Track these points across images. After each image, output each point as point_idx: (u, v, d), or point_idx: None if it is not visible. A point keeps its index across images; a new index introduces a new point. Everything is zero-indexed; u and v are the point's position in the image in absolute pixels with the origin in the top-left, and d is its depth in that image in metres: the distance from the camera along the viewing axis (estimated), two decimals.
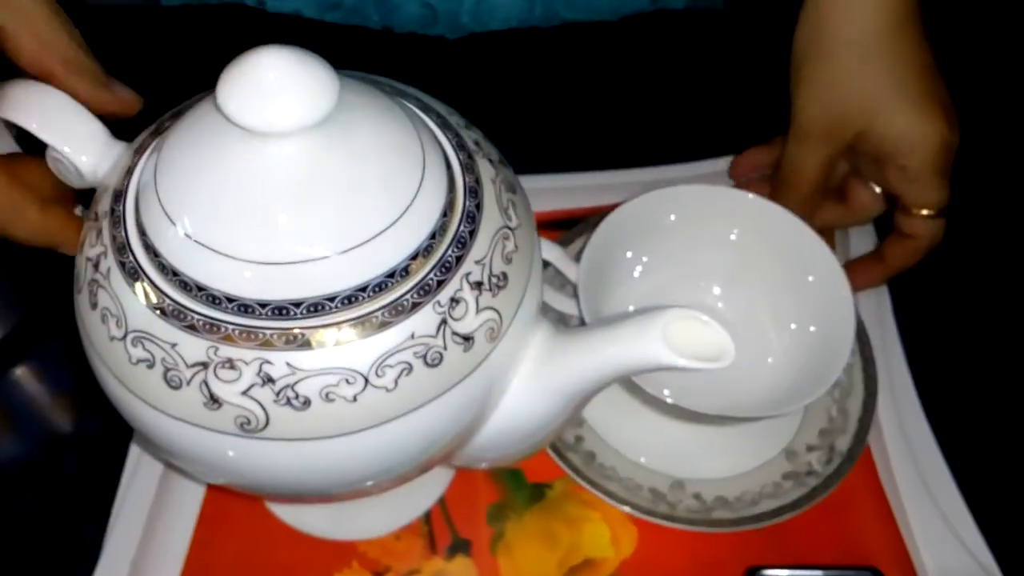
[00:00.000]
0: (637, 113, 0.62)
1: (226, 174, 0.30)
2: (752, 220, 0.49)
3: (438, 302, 0.31)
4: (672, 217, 0.49)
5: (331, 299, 0.30)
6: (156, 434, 0.32)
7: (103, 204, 0.33)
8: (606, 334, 0.33)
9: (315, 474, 0.32)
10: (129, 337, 0.31)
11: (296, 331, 0.29)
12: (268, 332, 0.29)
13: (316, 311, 0.30)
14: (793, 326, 0.49)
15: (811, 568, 0.41)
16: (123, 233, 0.31)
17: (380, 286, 0.30)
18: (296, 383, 0.30)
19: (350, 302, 0.30)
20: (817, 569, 0.40)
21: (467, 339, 0.31)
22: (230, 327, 0.30)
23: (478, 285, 0.32)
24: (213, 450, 0.31)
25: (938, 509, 0.46)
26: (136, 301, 0.30)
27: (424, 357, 0.31)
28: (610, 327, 0.33)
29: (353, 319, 0.30)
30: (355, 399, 0.30)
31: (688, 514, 0.45)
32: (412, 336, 0.30)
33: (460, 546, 0.46)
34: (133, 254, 0.31)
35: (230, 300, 0.30)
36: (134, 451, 0.47)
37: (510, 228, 0.34)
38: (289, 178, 0.30)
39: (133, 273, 0.31)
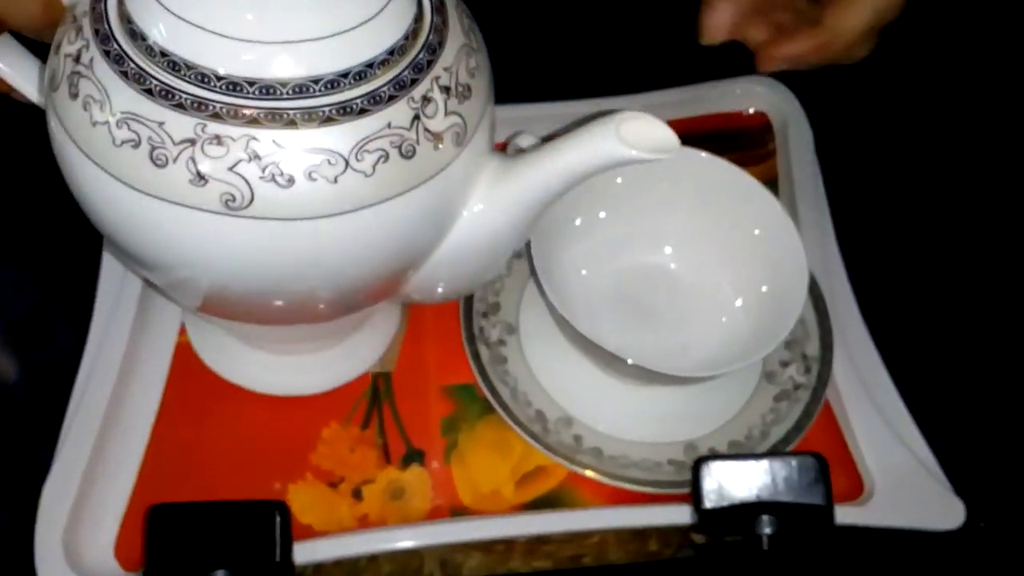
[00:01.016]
0: (587, 44, 0.63)
1: None
2: (700, 177, 0.49)
3: (412, 98, 0.33)
4: (619, 180, 0.49)
5: (315, 81, 0.32)
6: (137, 220, 0.33)
7: (82, 4, 0.34)
8: (561, 143, 0.36)
9: (293, 258, 0.34)
10: (114, 119, 0.32)
11: (282, 110, 0.31)
12: (255, 111, 0.31)
13: (301, 92, 0.32)
14: (746, 282, 0.49)
15: (756, 457, 0.41)
16: (106, 26, 0.33)
17: (360, 75, 0.32)
18: (281, 161, 0.31)
19: (332, 87, 0.32)
20: (762, 458, 0.41)
21: (437, 137, 0.34)
22: (218, 105, 0.31)
23: (446, 90, 0.35)
24: (196, 231, 0.32)
25: (875, 405, 0.47)
26: (122, 84, 0.32)
27: (399, 148, 0.33)
28: (564, 138, 0.36)
29: (335, 104, 0.32)
30: (336, 180, 0.32)
31: None
32: (389, 126, 0.33)
33: (414, 456, 0.46)
34: (117, 42, 0.32)
35: (219, 78, 0.31)
36: (83, 372, 0.47)
37: (472, 48, 0.37)
38: None
39: (119, 59, 0.32)
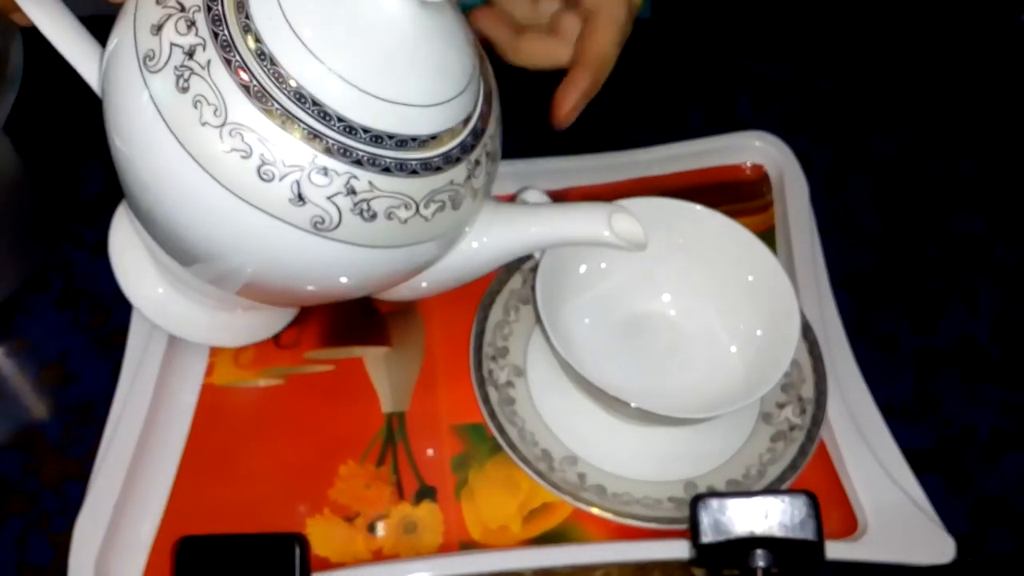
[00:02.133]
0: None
1: (359, 14, 0.35)
2: (696, 228, 0.52)
3: (469, 160, 0.39)
4: None
5: (413, 139, 0.37)
6: (220, 220, 0.36)
7: None
8: (560, 211, 0.44)
9: (351, 273, 0.39)
10: (227, 127, 0.34)
11: (384, 158, 0.36)
12: (362, 154, 0.35)
13: (400, 146, 0.36)
14: (741, 326, 0.52)
15: (751, 495, 0.43)
16: (226, 32, 0.35)
17: (442, 138, 0.38)
18: (372, 199, 0.36)
19: (422, 145, 0.37)
20: (756, 495, 0.43)
21: (475, 192, 0.41)
22: (332, 142, 0.35)
23: (488, 154, 0.41)
24: (281, 243, 0.36)
25: (868, 445, 0.49)
26: (242, 98, 0.34)
27: (453, 200, 0.39)
28: (562, 207, 0.45)
29: (421, 159, 0.37)
30: (406, 221, 0.37)
31: None
32: (451, 182, 0.39)
33: (426, 492, 0.48)
34: (240, 55, 0.35)
35: (339, 119, 0.35)
36: (114, 410, 0.50)
37: (499, 116, 0.43)
38: (415, 37, 0.36)
39: (242, 72, 0.34)
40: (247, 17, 0.35)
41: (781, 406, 0.51)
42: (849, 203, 0.62)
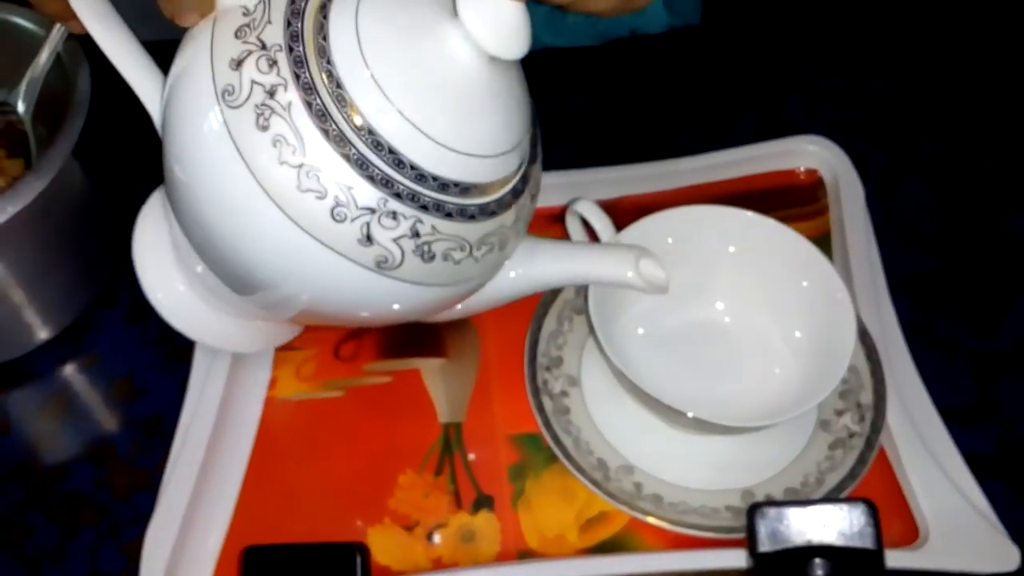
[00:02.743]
0: (622, 130, 0.66)
1: (436, 67, 0.37)
2: (747, 235, 0.52)
3: (518, 204, 0.41)
4: (670, 240, 0.51)
5: (475, 187, 0.38)
6: (288, 256, 0.37)
7: (271, 34, 0.36)
8: (590, 251, 0.46)
9: (404, 306, 0.40)
10: (304, 168, 0.35)
11: (448, 204, 0.37)
12: (429, 199, 0.37)
13: (464, 192, 0.38)
14: (797, 333, 0.52)
15: (809, 503, 0.43)
16: (308, 75, 0.36)
17: (497, 186, 0.39)
18: (433, 242, 0.37)
19: (482, 193, 0.39)
20: (814, 504, 0.43)
21: (520, 233, 0.43)
22: (402, 187, 0.36)
23: (532, 196, 0.43)
24: (345, 280, 0.37)
25: (929, 452, 0.49)
26: (322, 141, 0.35)
27: (501, 242, 0.41)
28: (591, 247, 0.48)
29: (479, 204, 0.39)
30: (459, 262, 0.39)
31: None
32: (502, 226, 0.40)
33: (483, 502, 0.49)
34: (320, 99, 0.36)
35: (412, 167, 0.36)
36: (182, 423, 0.51)
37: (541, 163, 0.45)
38: (485, 91, 0.38)
39: (322, 117, 0.35)
40: (329, 63, 0.36)
41: (839, 413, 0.51)
42: (905, 205, 0.61)
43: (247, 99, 0.36)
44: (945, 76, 0.68)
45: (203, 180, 0.37)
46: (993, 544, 0.46)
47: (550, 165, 0.56)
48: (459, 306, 0.45)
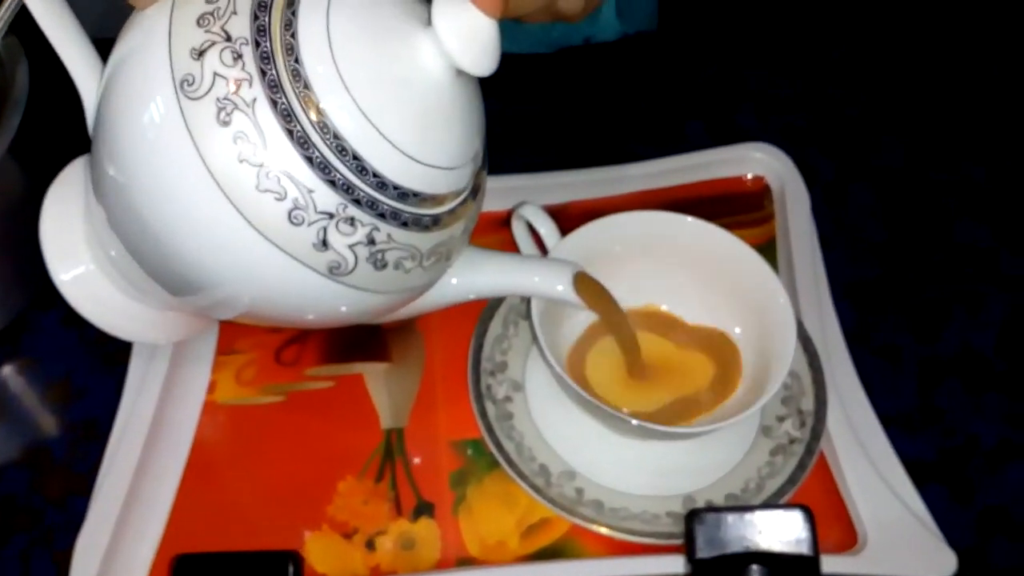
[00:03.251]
0: (573, 136, 0.66)
1: (406, 75, 0.36)
2: (692, 241, 0.51)
3: (468, 215, 0.42)
4: (616, 246, 0.51)
5: (433, 197, 0.38)
6: (239, 258, 0.36)
7: (236, 26, 0.35)
8: (527, 264, 0.47)
9: (351, 311, 0.40)
10: (265, 168, 0.35)
11: (405, 213, 0.37)
12: (387, 207, 0.36)
13: (421, 203, 0.38)
14: (738, 337, 0.52)
15: (747, 509, 0.43)
16: (274, 72, 0.35)
17: (452, 197, 0.40)
18: (387, 250, 0.37)
19: (438, 204, 0.39)
20: (752, 510, 0.43)
21: (464, 241, 0.43)
22: (363, 194, 0.36)
23: (479, 206, 0.43)
24: (294, 283, 0.37)
25: (868, 458, 0.49)
26: (285, 142, 0.35)
27: (448, 252, 0.41)
28: (529, 260, 0.49)
29: (434, 214, 0.39)
30: (408, 271, 0.39)
31: None
32: (451, 236, 0.41)
33: (424, 508, 0.49)
34: (286, 98, 0.35)
35: (374, 175, 0.36)
36: (117, 427, 0.50)
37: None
38: (451, 104, 0.38)
39: (287, 116, 0.35)
40: (296, 61, 0.35)
41: (781, 419, 0.51)
42: (853, 213, 0.62)
43: (208, 91, 0.34)
44: (897, 85, 0.69)
45: (149, 172, 0.35)
46: (931, 550, 0.46)
47: (500, 169, 0.56)
48: (400, 311, 0.44)
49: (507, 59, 0.64)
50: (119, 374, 0.52)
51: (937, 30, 0.72)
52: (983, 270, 0.59)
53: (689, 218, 0.51)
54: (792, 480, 0.48)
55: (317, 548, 0.47)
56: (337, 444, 0.51)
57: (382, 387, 0.52)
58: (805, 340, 0.52)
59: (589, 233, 0.50)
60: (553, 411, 0.51)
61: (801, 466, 0.49)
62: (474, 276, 0.45)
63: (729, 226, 0.51)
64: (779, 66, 0.70)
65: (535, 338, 0.47)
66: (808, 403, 0.51)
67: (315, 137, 0.35)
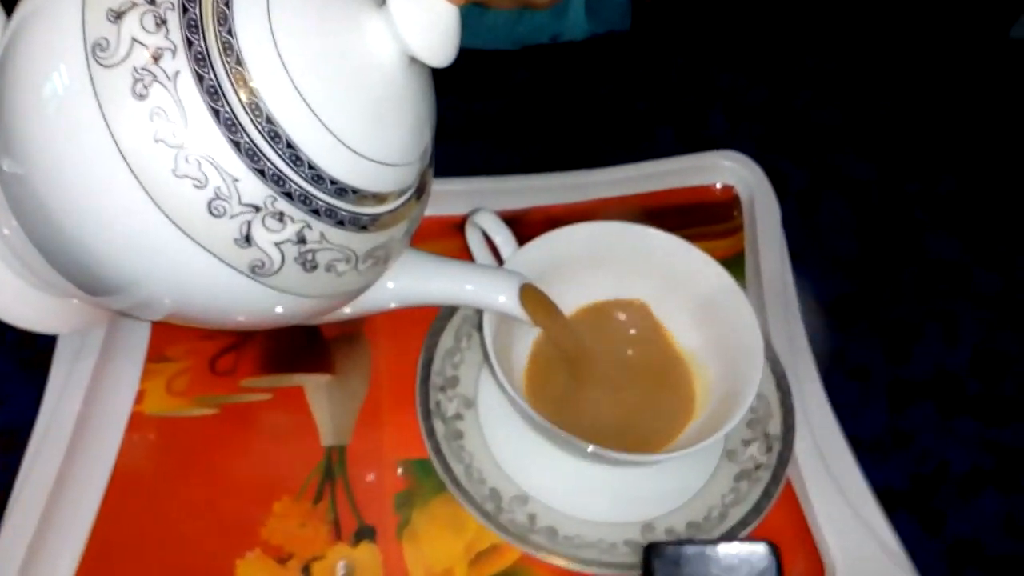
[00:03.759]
0: (536, 137, 0.63)
1: (352, 59, 0.33)
2: (655, 254, 0.49)
3: (410, 217, 0.38)
4: (576, 257, 0.48)
5: (374, 195, 0.35)
6: (151, 251, 0.32)
7: None
8: (471, 272, 0.43)
9: (278, 315, 0.36)
10: (184, 151, 0.31)
11: (341, 211, 0.33)
12: (322, 203, 0.33)
13: (360, 200, 0.34)
14: (703, 359, 0.49)
15: (708, 543, 0.41)
16: (202, 43, 0.31)
17: (395, 196, 0.36)
18: (318, 250, 0.34)
19: (380, 202, 0.35)
20: (714, 543, 0.41)
21: (404, 244, 0.40)
22: (295, 187, 0.32)
23: (423, 208, 0.40)
24: (212, 282, 0.33)
25: (837, 486, 0.47)
26: (210, 122, 0.31)
27: (387, 255, 0.38)
28: (470, 267, 0.44)
29: (373, 214, 0.35)
30: (341, 274, 0.35)
31: None
32: (391, 238, 0.37)
33: (365, 532, 0.45)
34: (215, 73, 0.31)
35: (310, 166, 0.32)
36: (35, 440, 0.46)
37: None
38: (400, 95, 0.35)
39: (213, 93, 0.31)
40: (229, 32, 0.31)
41: (746, 443, 0.48)
42: (824, 226, 0.59)
43: (124, 59, 0.30)
44: (872, 94, 0.67)
45: (50, 148, 0.31)
46: None
47: (455, 171, 0.54)
48: (328, 316, 0.42)
49: (468, 54, 0.61)
50: (41, 380, 0.48)
51: (914, 39, 0.70)
52: (956, 287, 0.57)
53: (653, 230, 0.48)
54: (757, 509, 0.46)
55: (249, 574, 0.44)
56: (273, 461, 0.47)
57: (323, 401, 0.49)
58: (773, 360, 0.49)
59: (547, 244, 0.47)
60: (506, 431, 0.48)
61: (767, 494, 0.46)
62: (413, 282, 0.42)
63: (696, 237, 0.49)
64: (752, 72, 0.68)
65: (486, 356, 0.44)
66: (775, 426, 0.48)
67: (244, 119, 0.31)
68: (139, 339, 0.50)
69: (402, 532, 0.45)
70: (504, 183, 0.57)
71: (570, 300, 0.49)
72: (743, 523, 0.45)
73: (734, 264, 0.49)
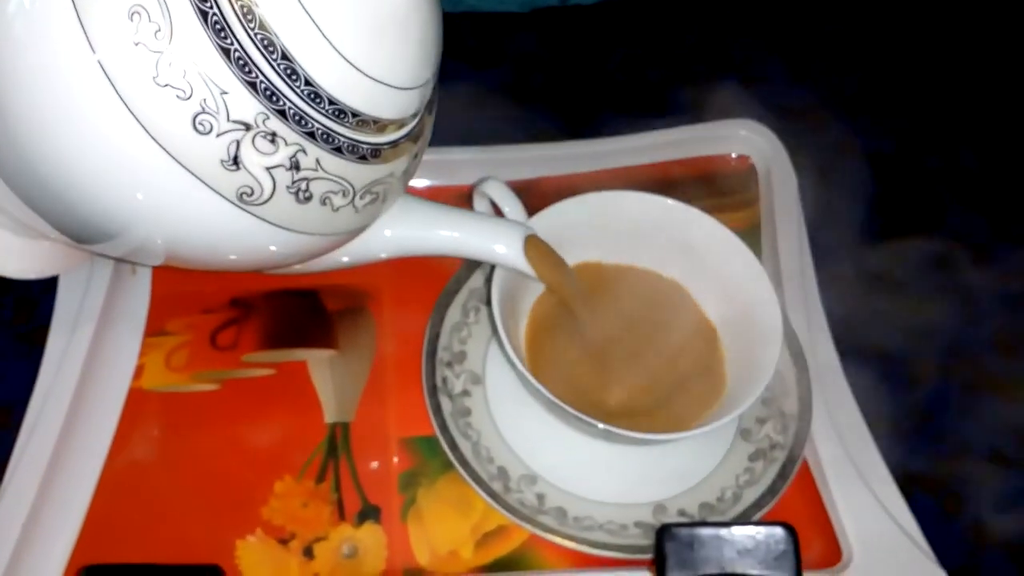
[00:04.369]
0: (545, 104, 0.61)
1: None
2: (669, 224, 0.47)
3: (412, 152, 0.36)
4: (587, 227, 0.47)
5: (375, 121, 0.32)
6: (130, 164, 0.29)
7: None
8: (469, 220, 0.41)
9: (265, 253, 0.34)
10: (167, 56, 0.28)
11: (340, 136, 0.31)
12: (318, 125, 0.30)
13: (360, 126, 0.32)
14: (720, 331, 0.47)
15: (723, 525, 0.39)
16: None
17: (398, 125, 0.34)
18: (313, 179, 0.31)
19: (380, 129, 0.32)
20: (729, 526, 0.39)
21: (403, 186, 0.38)
22: (289, 104, 0.29)
23: (423, 148, 0.38)
24: (195, 209, 0.31)
25: (855, 467, 0.45)
26: (196, 25, 0.28)
27: (385, 193, 0.36)
28: (473, 216, 0.42)
29: (374, 144, 0.33)
30: (337, 209, 0.33)
31: None
32: (391, 173, 0.35)
33: (369, 513, 0.44)
34: None
35: (307, 82, 0.30)
36: (29, 419, 0.45)
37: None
38: (408, 11, 0.32)
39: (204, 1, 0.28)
40: None
41: (761, 421, 0.47)
42: (842, 198, 0.57)
43: None
44: (892, 62, 0.64)
45: (16, 51, 0.28)
46: (919, 569, 0.43)
47: (462, 140, 0.52)
48: (320, 264, 0.40)
49: (476, 17, 0.60)
50: (37, 356, 0.47)
51: (931, 10, 0.67)
52: (979, 262, 0.55)
53: (669, 200, 0.47)
54: (772, 490, 0.44)
55: (249, 555, 0.43)
56: (275, 439, 0.46)
57: (327, 376, 0.47)
58: (790, 336, 0.48)
59: (558, 213, 0.45)
60: (515, 407, 0.46)
61: (782, 475, 0.45)
62: (410, 229, 0.39)
63: (711, 209, 0.47)
64: (769, 39, 0.65)
65: (495, 330, 0.42)
66: (792, 405, 0.47)
67: (236, 25, 0.28)
68: (138, 310, 0.49)
69: (407, 513, 0.44)
70: (511, 152, 0.55)
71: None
72: (758, 505, 0.44)
73: (750, 236, 0.48)
